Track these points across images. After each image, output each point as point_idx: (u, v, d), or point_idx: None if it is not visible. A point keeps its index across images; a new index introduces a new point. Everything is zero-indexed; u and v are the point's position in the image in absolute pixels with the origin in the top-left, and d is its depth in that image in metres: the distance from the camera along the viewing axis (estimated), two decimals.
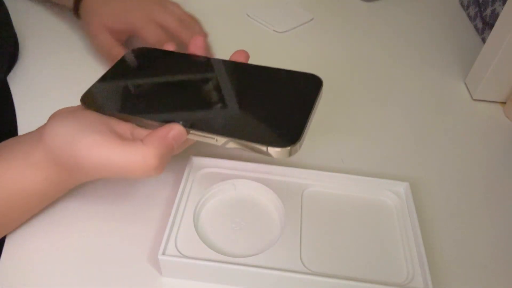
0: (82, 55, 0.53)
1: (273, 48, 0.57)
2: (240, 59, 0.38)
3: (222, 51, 0.44)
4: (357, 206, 0.37)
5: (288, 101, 0.33)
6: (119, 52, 0.46)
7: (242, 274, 0.32)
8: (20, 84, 0.49)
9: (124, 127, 0.33)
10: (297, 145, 0.30)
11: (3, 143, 0.33)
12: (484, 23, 0.60)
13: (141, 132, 0.33)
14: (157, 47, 0.41)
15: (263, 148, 0.30)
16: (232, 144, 0.31)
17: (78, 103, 0.35)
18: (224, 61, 0.38)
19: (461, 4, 0.68)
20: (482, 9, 0.61)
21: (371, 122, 0.47)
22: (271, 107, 0.33)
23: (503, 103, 0.51)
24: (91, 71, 0.50)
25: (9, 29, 0.51)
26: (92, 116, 0.32)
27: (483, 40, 0.60)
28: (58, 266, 0.33)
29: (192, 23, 0.50)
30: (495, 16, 0.57)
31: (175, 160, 0.41)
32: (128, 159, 0.29)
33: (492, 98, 0.51)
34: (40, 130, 0.33)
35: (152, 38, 0.46)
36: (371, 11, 0.66)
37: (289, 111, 0.32)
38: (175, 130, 0.31)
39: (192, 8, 0.59)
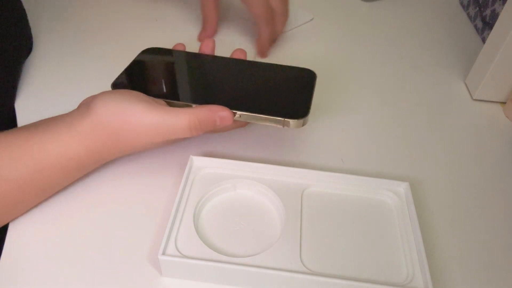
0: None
1: (274, 48, 0.57)
2: (240, 56, 0.44)
3: (225, 52, 0.45)
4: (357, 206, 0.37)
5: (293, 87, 0.40)
6: (208, 21, 0.55)
7: (242, 274, 0.32)
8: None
9: (161, 102, 0.37)
10: (307, 118, 0.37)
11: (43, 120, 0.36)
12: (484, 23, 0.60)
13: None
14: (257, 20, 0.50)
15: (281, 119, 0.36)
16: (253, 119, 0.37)
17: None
18: (232, 59, 0.44)
19: (461, 4, 0.68)
20: (482, 9, 0.61)
21: (371, 122, 0.47)
22: (280, 91, 0.40)
23: (503, 103, 0.51)
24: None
25: (25, 29, 0.52)
26: (134, 92, 0.36)
27: (483, 40, 0.60)
28: (58, 265, 0.33)
29: (278, 20, 0.53)
30: (495, 16, 0.57)
31: (175, 160, 0.41)
32: (174, 120, 0.34)
33: (492, 98, 0.51)
34: (84, 107, 0.35)
35: (255, 11, 0.50)
36: (371, 11, 0.66)
37: (295, 94, 0.39)
38: (224, 112, 0.36)
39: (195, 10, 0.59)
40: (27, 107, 0.46)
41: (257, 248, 0.34)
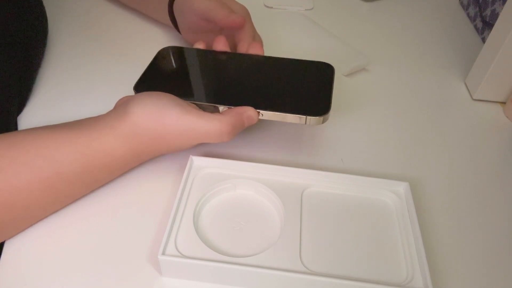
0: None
1: (275, 52, 0.55)
2: (257, 51, 0.43)
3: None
4: (357, 206, 0.37)
5: (313, 82, 0.41)
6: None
7: (242, 274, 0.32)
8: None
9: (192, 105, 0.38)
10: (328, 114, 0.37)
11: (83, 119, 0.37)
12: (484, 23, 0.60)
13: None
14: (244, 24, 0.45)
15: (303, 117, 0.37)
16: (274, 117, 0.37)
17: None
18: (249, 55, 0.44)
19: (461, 4, 0.68)
20: (482, 9, 0.61)
21: (371, 122, 0.47)
22: (300, 87, 0.40)
23: (503, 103, 0.51)
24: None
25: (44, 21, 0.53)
26: (168, 95, 0.37)
27: (483, 40, 0.60)
28: (58, 266, 0.33)
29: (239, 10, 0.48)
30: (495, 16, 0.57)
31: (175, 160, 0.41)
32: (208, 125, 0.35)
33: (492, 98, 0.51)
34: (121, 108, 0.36)
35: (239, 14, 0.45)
36: (371, 11, 0.66)
37: (315, 90, 0.40)
38: (250, 112, 0.37)
39: None
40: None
41: (257, 248, 0.34)
